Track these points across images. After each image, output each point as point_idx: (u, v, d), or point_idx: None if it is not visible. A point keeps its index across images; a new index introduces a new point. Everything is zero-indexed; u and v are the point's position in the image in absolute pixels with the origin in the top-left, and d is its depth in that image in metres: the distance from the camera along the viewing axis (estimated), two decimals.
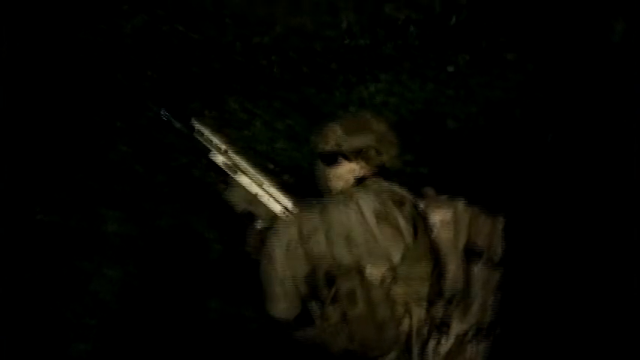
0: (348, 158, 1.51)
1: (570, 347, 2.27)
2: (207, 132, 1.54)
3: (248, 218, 1.55)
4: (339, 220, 1.35)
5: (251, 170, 1.55)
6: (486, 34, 2.84)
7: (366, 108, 2.78)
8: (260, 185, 1.54)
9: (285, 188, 1.56)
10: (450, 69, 2.83)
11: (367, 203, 1.36)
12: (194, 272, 2.62)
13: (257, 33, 2.73)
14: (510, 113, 2.80)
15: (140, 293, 2.57)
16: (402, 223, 1.36)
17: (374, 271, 1.34)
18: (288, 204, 1.54)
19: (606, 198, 2.50)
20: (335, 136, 1.52)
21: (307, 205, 1.44)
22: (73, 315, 2.51)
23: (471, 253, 1.40)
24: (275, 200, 1.55)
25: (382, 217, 1.35)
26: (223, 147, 1.54)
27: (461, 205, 1.42)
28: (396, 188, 1.46)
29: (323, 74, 2.80)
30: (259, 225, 1.55)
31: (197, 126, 1.54)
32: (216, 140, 1.54)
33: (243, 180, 1.54)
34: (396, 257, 1.34)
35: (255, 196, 1.53)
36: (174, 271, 2.61)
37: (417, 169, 2.73)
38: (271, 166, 2.30)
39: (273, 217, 1.54)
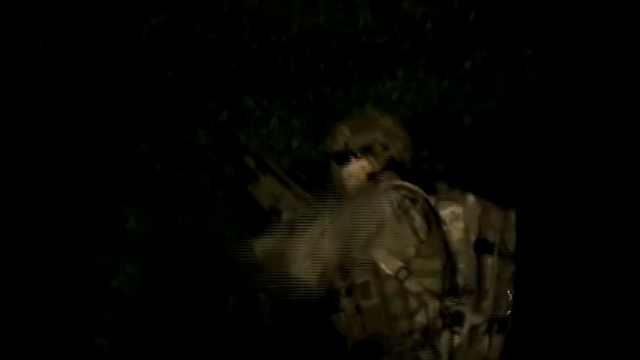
0: (357, 156, 1.56)
1: (576, 344, 2.25)
2: (245, 139, 1.67)
3: (274, 213, 1.61)
4: (371, 213, 1.37)
5: (280, 172, 1.63)
6: (505, 30, 2.81)
7: (382, 105, 2.78)
8: (288, 187, 1.59)
9: (310, 190, 1.63)
10: (468, 64, 2.81)
11: (390, 199, 1.39)
12: (212, 268, 2.65)
13: (273, 32, 2.75)
14: (528, 108, 2.77)
15: (159, 289, 2.61)
16: (417, 220, 1.38)
17: (388, 266, 1.35)
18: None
19: (623, 197, 2.46)
20: (343, 136, 1.59)
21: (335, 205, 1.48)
22: (94, 311, 2.56)
23: (483, 246, 1.40)
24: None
25: (401, 213, 1.37)
26: (257, 152, 1.64)
27: (471, 198, 1.43)
28: (409, 184, 1.47)
29: (339, 72, 2.81)
30: (285, 217, 1.60)
31: (239, 136, 1.67)
32: (252, 146, 1.66)
33: (272, 180, 1.61)
34: (411, 253, 1.36)
35: (281, 193, 1.59)
36: (193, 267, 2.65)
37: (433, 166, 2.72)
38: (295, 168, 2.33)
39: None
